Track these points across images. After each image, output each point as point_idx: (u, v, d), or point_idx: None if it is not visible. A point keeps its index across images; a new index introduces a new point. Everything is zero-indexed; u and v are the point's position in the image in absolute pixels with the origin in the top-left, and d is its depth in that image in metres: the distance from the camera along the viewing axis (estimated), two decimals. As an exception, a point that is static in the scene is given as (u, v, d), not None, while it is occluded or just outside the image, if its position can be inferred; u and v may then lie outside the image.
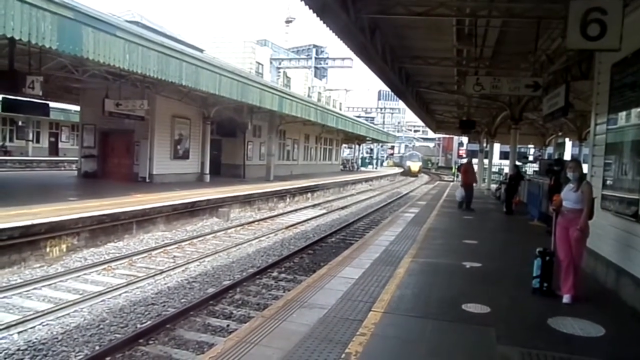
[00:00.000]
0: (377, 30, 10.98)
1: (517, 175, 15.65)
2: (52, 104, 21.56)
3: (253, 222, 15.37)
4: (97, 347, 5.70)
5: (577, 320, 4.99)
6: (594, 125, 7.45)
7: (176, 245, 11.26)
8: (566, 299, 5.57)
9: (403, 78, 15.78)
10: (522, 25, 9.90)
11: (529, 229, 12.20)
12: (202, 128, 21.07)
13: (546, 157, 29.45)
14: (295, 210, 19.13)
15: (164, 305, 7.33)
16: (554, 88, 10.36)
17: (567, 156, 30.71)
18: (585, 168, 6.59)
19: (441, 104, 24.11)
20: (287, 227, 14.89)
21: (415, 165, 59.40)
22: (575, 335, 4.62)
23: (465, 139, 46.87)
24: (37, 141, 37.53)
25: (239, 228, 14.21)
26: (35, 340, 5.81)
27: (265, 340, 4.23)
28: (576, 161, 6.42)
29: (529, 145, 39.21)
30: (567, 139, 30.94)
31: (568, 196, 5.71)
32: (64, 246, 9.64)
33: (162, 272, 8.98)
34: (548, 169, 11.97)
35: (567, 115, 13.18)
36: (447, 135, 63.19)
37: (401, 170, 58.61)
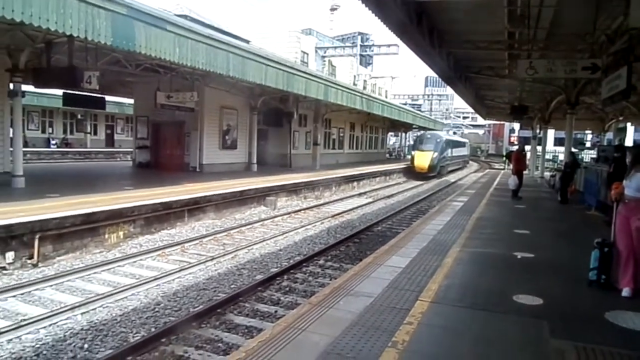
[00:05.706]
0: (423, 15, 10.72)
1: (573, 162, 15.01)
2: (107, 98, 22.61)
3: (299, 210, 15.54)
4: (152, 329, 5.98)
5: (638, 314, 4.75)
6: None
7: (225, 233, 11.56)
8: (625, 292, 5.31)
9: (451, 63, 15.36)
10: (578, 3, 9.39)
11: (586, 219, 11.64)
12: (249, 118, 21.41)
13: (605, 143, 27.95)
14: (341, 199, 19.16)
15: (215, 291, 7.57)
16: (615, 70, 9.78)
17: (628, 142, 28.97)
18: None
19: (491, 90, 23.33)
20: (333, 216, 14.95)
21: (423, 158, 31.26)
22: (635, 331, 4.41)
23: (517, 125, 45.17)
24: (95, 133, 39.54)
25: (285, 216, 14.41)
26: (96, 321, 6.18)
27: (313, 327, 4.29)
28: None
29: (587, 131, 37.39)
30: (629, 124, 29.15)
31: (631, 184, 5.41)
32: (121, 233, 10.12)
33: (212, 258, 9.27)
34: (606, 156, 11.36)
35: (629, 99, 12.45)
36: (498, 122, 60.57)
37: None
